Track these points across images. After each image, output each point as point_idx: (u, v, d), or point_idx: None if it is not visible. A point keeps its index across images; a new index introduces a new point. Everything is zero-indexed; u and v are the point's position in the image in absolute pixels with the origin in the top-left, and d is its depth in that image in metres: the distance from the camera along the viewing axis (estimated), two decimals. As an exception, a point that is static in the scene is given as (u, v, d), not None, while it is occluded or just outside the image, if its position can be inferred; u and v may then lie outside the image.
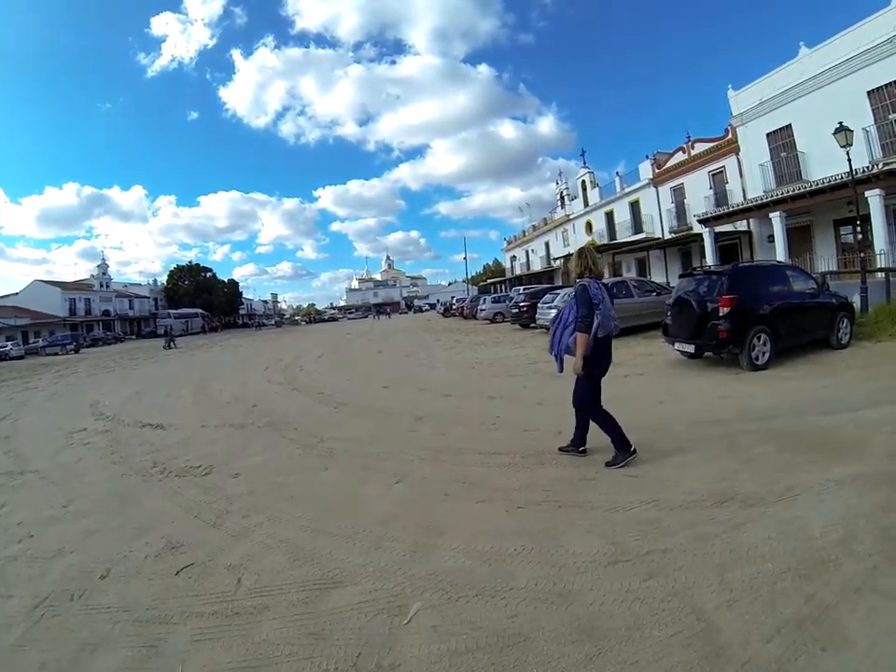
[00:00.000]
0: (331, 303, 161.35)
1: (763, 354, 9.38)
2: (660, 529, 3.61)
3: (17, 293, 72.86)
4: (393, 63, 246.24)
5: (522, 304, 24.81)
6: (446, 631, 2.72)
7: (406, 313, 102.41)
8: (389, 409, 8.57)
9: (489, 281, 78.62)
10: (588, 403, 5.02)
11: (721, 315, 9.32)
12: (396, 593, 3.10)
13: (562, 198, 53.36)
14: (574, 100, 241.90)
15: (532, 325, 23.51)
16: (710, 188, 30.41)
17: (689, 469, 4.69)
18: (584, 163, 48.64)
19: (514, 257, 64.64)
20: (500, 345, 18.41)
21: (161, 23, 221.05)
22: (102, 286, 78.80)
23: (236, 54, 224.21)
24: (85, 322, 72.22)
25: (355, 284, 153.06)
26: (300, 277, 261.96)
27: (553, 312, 16.84)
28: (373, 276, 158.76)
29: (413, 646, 2.62)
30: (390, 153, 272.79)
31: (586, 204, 46.98)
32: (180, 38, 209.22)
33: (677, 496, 4.12)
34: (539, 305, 21.98)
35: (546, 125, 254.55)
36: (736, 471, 4.51)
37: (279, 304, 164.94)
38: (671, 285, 21.47)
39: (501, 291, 57.94)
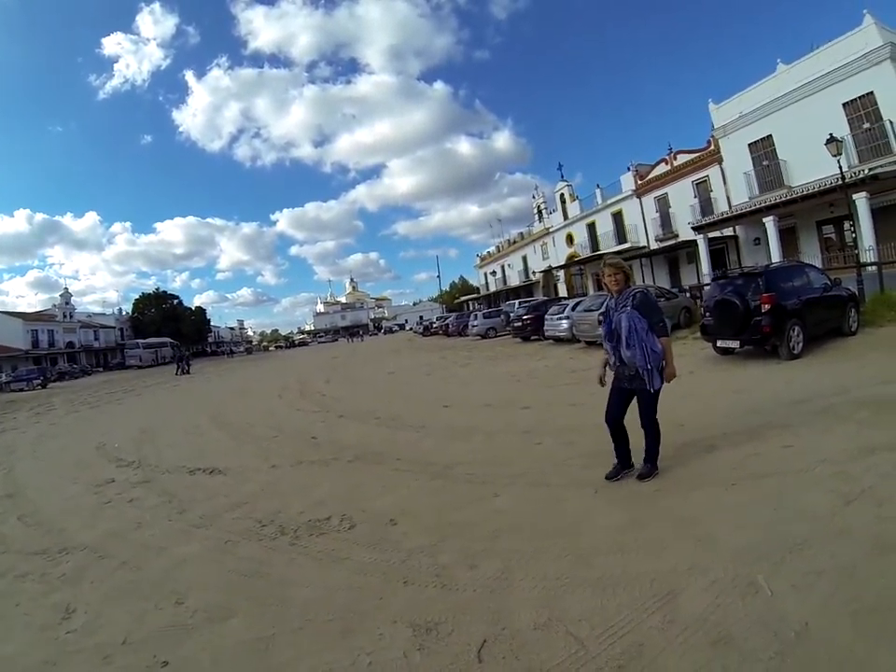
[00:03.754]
0: (298, 328, 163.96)
1: (798, 344, 10.37)
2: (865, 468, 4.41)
3: None
4: (348, 82, 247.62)
5: (525, 318, 24.80)
6: None
7: (376, 334, 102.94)
8: (479, 427, 8.09)
9: (463, 299, 78.57)
10: (655, 415, 4.83)
11: (763, 311, 10.14)
12: None
13: (539, 211, 53.47)
14: (530, 114, 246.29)
15: (534, 337, 24.02)
16: (695, 196, 31.49)
17: (828, 434, 5.46)
18: (562, 176, 49.03)
19: (494, 272, 63.97)
20: (517, 358, 18.22)
21: (113, 43, 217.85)
22: (65, 316, 75.79)
23: (189, 75, 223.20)
24: (49, 354, 69.22)
25: (320, 308, 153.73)
26: (261, 303, 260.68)
27: (590, 321, 16.65)
28: (338, 299, 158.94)
29: None
30: (347, 174, 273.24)
31: (566, 217, 47.13)
32: (132, 59, 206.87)
33: (836, 454, 4.82)
34: (546, 317, 21.94)
35: (502, 140, 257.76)
36: (858, 431, 5.34)
37: (245, 331, 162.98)
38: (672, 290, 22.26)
39: (472, 309, 58.17)
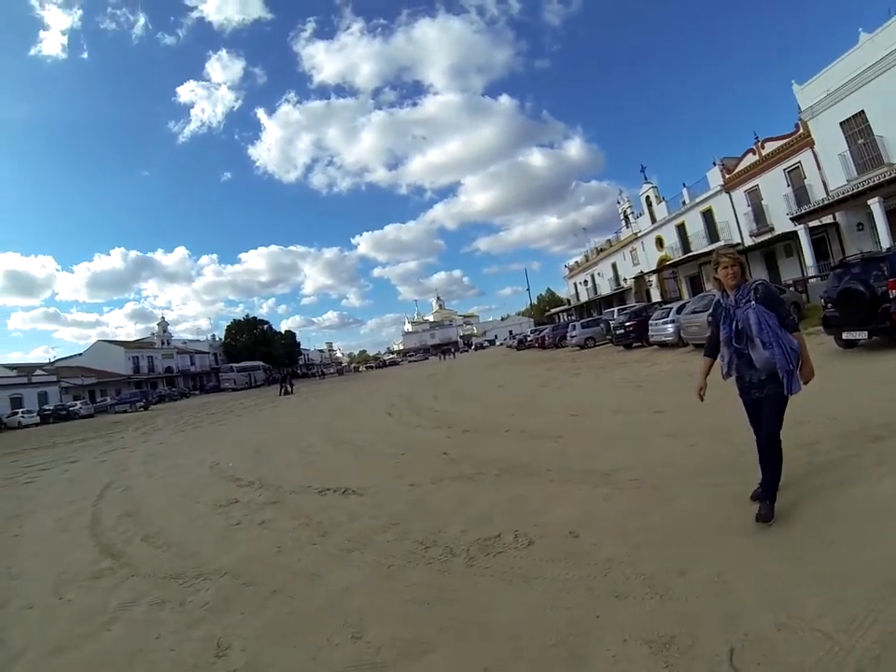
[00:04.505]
0: (387, 348, 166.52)
1: (927, 330, 9.76)
2: None
3: (80, 354, 76.29)
4: (414, 104, 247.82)
5: (627, 324, 24.02)
6: None
7: (467, 351, 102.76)
8: (619, 433, 7.63)
9: (553, 311, 77.97)
10: (780, 432, 3.99)
11: (892, 297, 9.61)
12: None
13: (626, 217, 52.36)
14: (598, 119, 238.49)
15: (636, 345, 23.54)
16: (788, 185, 29.53)
17: None
18: (645, 178, 48.07)
19: (586, 281, 62.54)
20: (626, 365, 17.50)
21: (187, 91, 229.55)
22: (163, 343, 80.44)
23: (261, 113, 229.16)
24: (149, 379, 73.77)
25: (408, 327, 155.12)
26: (347, 325, 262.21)
27: (699, 323, 16.00)
28: (426, 318, 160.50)
29: None
30: (423, 194, 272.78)
31: (653, 220, 45.91)
32: (206, 104, 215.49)
33: None
34: (650, 322, 21.36)
35: (574, 149, 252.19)
36: None
37: (335, 353, 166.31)
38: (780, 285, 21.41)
39: (562, 321, 57.57)
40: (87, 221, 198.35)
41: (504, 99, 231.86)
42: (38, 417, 49.07)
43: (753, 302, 3.94)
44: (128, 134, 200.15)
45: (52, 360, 74.60)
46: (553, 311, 78.84)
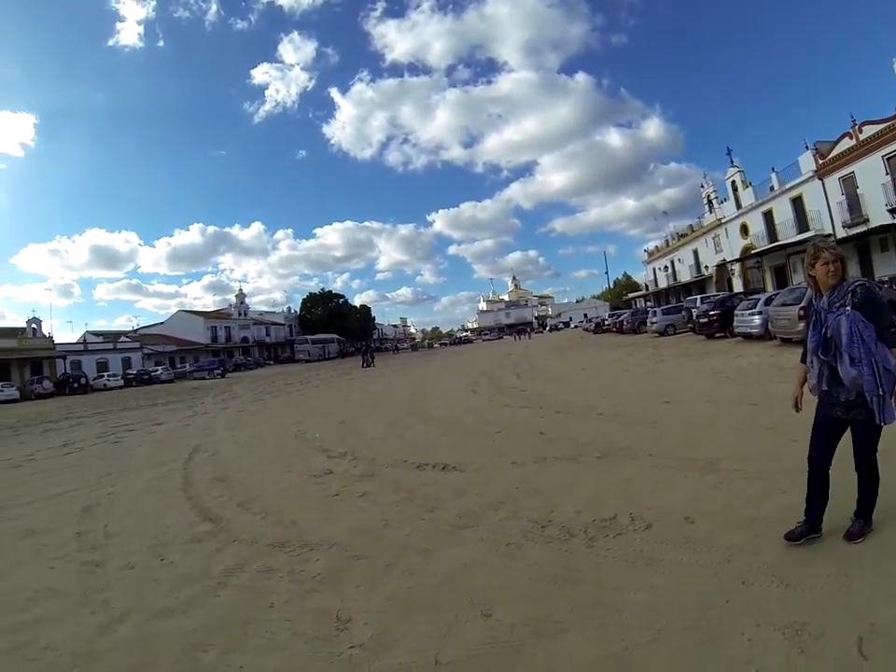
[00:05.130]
0: (461, 326, 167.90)
1: None
2: None
3: (162, 322, 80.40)
4: (489, 82, 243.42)
5: (712, 313, 23.02)
6: None
7: (541, 332, 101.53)
8: (715, 422, 7.44)
9: (630, 296, 76.68)
10: (875, 453, 3.48)
11: None
12: None
13: (709, 201, 50.22)
14: (678, 98, 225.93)
15: (719, 335, 22.70)
16: (887, 173, 27.53)
17: None
18: (731, 162, 45.43)
19: (667, 267, 60.89)
20: (712, 355, 16.90)
21: (261, 73, 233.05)
22: (240, 314, 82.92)
23: (334, 92, 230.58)
24: (226, 348, 76.48)
25: (483, 305, 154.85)
26: (420, 302, 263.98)
27: (789, 316, 14.84)
28: (501, 297, 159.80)
29: None
30: (499, 173, 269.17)
31: (738, 206, 43.78)
32: (280, 84, 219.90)
33: None
34: (736, 313, 20.40)
35: (652, 129, 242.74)
36: None
37: (408, 328, 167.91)
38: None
39: (638, 306, 56.43)
40: (167, 199, 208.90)
41: (580, 76, 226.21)
42: (122, 381, 52.34)
43: (848, 308, 3.32)
44: (205, 116, 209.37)
45: (135, 328, 79.27)
46: (630, 296, 77.59)
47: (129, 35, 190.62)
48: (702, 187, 52.56)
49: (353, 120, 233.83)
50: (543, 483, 5.67)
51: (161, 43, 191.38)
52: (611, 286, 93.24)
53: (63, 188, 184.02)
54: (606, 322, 51.25)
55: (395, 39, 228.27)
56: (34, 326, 55.79)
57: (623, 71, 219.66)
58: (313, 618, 3.34)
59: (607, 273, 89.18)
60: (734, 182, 44.43)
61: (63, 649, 3.31)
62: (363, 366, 37.93)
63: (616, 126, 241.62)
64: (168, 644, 3.23)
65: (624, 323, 40.81)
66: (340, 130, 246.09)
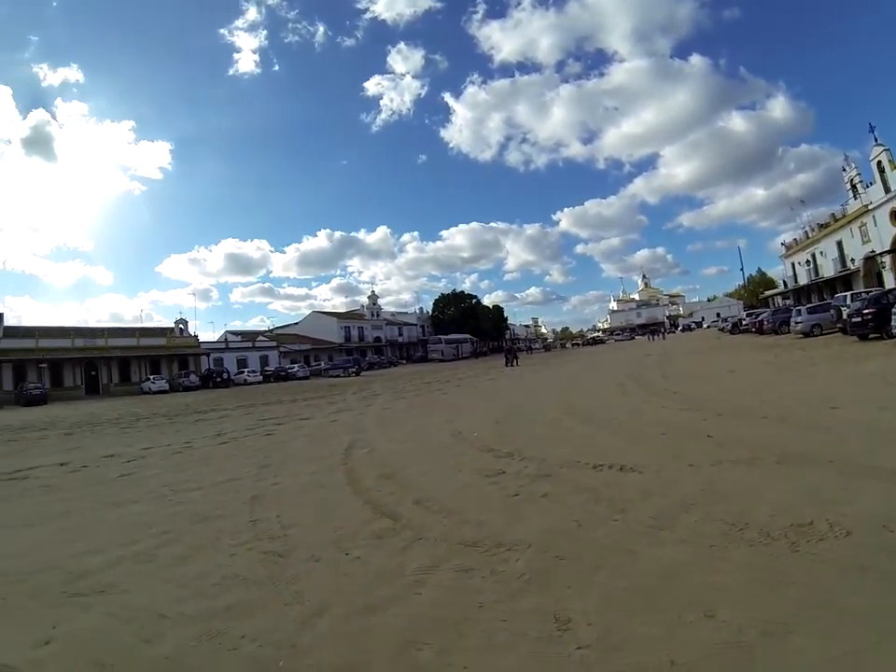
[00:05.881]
0: (593, 325, 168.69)
1: None
2: None
3: (296, 323, 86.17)
4: (601, 74, 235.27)
5: (866, 312, 21.28)
6: None
7: (673, 332, 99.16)
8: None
9: (767, 293, 72.51)
10: None
11: None
12: None
13: (853, 186, 45.59)
14: (803, 71, 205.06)
15: (873, 335, 21.17)
16: None
17: None
18: (875, 140, 40.73)
19: (808, 262, 56.66)
20: (870, 358, 15.97)
21: (374, 84, 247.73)
22: (373, 315, 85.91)
23: (447, 97, 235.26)
24: (359, 347, 79.59)
25: (614, 305, 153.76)
26: (549, 301, 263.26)
27: None
28: (632, 296, 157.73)
29: None
30: (621, 168, 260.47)
31: (887, 190, 38.96)
32: (393, 94, 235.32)
33: None
34: (894, 311, 19.07)
35: (778, 108, 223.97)
36: None
37: (539, 328, 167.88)
38: None
39: (776, 305, 53.70)
40: (295, 208, 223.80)
41: (695, 59, 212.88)
42: (261, 377, 57.51)
43: None
44: (325, 129, 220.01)
45: (271, 328, 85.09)
46: (767, 293, 73.51)
47: (246, 63, 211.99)
48: (843, 170, 48.15)
49: (469, 123, 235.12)
50: (727, 486, 5.61)
51: (277, 67, 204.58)
52: (745, 282, 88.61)
53: (198, 204, 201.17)
54: (743, 322, 49.96)
55: (500, 40, 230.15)
56: (181, 326, 63.58)
57: (739, 48, 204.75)
58: (528, 618, 3.32)
59: (742, 269, 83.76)
60: (879, 163, 39.79)
61: (262, 640, 3.36)
62: (506, 365, 38.92)
63: (738, 109, 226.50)
64: (377, 641, 3.23)
65: (765, 323, 39.38)
66: (457, 133, 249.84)
